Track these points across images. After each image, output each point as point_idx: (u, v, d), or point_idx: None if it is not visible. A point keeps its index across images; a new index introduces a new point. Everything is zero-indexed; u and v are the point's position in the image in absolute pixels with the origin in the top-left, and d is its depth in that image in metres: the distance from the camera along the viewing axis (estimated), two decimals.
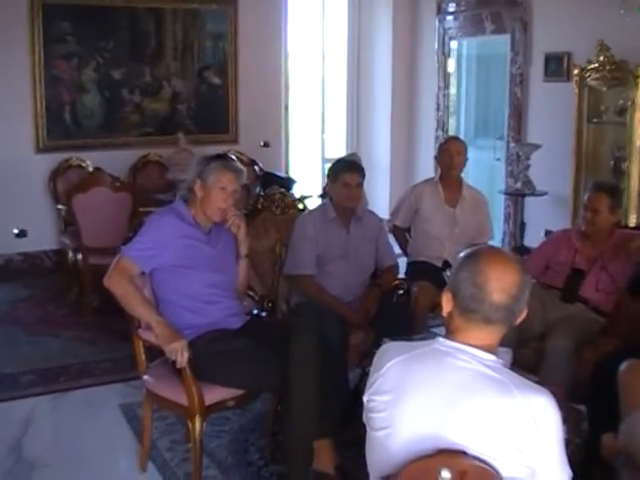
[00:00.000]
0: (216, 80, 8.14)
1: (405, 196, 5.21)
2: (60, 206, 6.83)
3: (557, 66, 6.97)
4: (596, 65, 6.19)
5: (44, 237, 7.34)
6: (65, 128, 7.46)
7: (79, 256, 6.02)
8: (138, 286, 3.45)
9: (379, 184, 8.93)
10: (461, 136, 7.28)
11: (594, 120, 6.48)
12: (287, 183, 7.23)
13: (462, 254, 2.08)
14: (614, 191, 4.35)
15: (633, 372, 3.02)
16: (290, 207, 4.80)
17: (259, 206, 4.72)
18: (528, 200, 7.19)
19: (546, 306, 4.15)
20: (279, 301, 4.37)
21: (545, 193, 6.98)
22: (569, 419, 2.88)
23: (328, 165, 4.94)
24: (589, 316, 4.15)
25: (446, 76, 8.47)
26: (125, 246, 3.50)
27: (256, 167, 7.67)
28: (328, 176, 4.46)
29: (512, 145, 7.52)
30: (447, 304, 2.06)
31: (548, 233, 6.36)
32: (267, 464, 3.75)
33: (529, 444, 1.88)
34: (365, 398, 2.09)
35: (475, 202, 5.10)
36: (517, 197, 7.39)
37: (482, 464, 1.86)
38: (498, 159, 7.87)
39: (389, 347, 2.17)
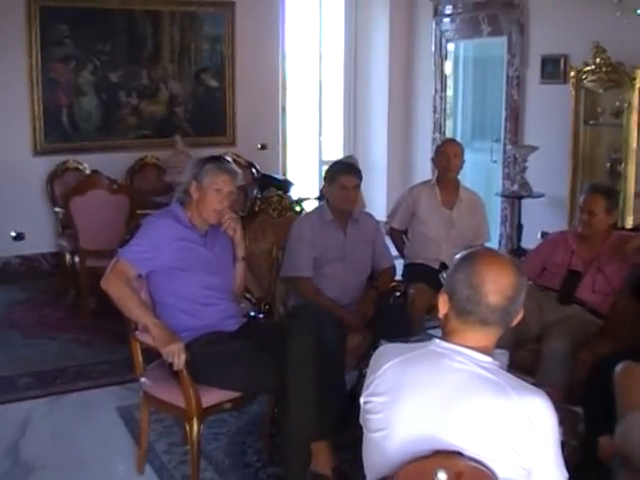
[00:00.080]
0: (213, 82, 8.14)
1: (402, 198, 5.22)
2: (57, 209, 6.82)
3: (554, 68, 6.98)
4: (592, 67, 6.21)
5: (41, 240, 7.33)
6: (62, 131, 7.46)
7: (76, 259, 6.02)
8: (135, 289, 3.46)
9: (376, 186, 8.94)
10: (458, 138, 7.29)
11: (591, 122, 6.49)
12: (284, 185, 7.23)
13: (458, 256, 2.08)
14: (610, 193, 4.36)
15: (629, 374, 3.03)
16: (287, 209, 4.80)
17: (256, 208, 4.72)
18: (525, 202, 7.19)
19: (543, 308, 4.16)
20: (276, 303, 4.37)
21: (542, 195, 6.99)
22: (565, 421, 2.89)
23: (325, 167, 4.94)
24: (586, 318, 4.16)
25: (443, 78, 8.48)
26: (122, 249, 3.50)
27: (253, 169, 7.68)
28: (325, 178, 4.47)
29: (509, 147, 7.53)
30: (443, 306, 2.06)
31: (545, 235, 6.37)
32: (264, 466, 3.75)
33: (525, 445, 1.89)
34: (362, 399, 2.09)
35: (472, 204, 5.11)
36: (514, 199, 7.39)
37: (478, 465, 1.87)
38: (495, 161, 7.88)
39: (386, 349, 2.17)
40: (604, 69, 6.12)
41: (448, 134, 8.35)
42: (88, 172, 6.91)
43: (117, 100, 7.67)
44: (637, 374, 3.03)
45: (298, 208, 4.87)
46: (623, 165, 6.07)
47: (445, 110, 8.52)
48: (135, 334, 3.52)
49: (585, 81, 6.33)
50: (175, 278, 3.50)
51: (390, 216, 5.28)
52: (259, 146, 8.35)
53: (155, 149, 7.69)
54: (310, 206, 5.29)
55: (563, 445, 2.06)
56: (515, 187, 7.21)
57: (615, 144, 6.27)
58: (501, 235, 7.70)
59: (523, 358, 3.90)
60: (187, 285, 3.51)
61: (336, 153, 9.10)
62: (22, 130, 7.26)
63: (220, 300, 3.61)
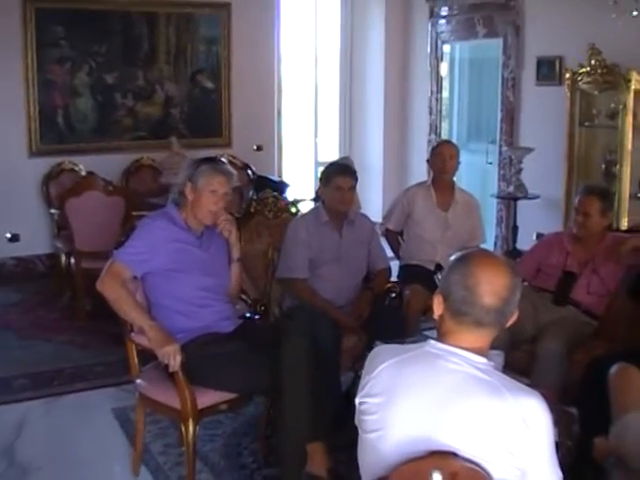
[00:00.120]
0: (209, 84, 8.14)
1: (398, 200, 5.22)
2: (53, 210, 6.82)
3: (549, 70, 7.00)
4: (588, 69, 6.22)
5: (37, 241, 7.33)
6: (58, 132, 7.45)
7: (72, 260, 6.02)
8: (130, 290, 3.45)
9: (372, 187, 8.95)
10: (453, 140, 7.32)
11: (586, 124, 6.51)
12: (280, 187, 7.23)
13: (453, 257, 2.09)
14: (605, 194, 4.36)
15: (624, 375, 3.03)
16: (283, 211, 4.81)
17: (252, 210, 4.73)
18: (520, 203, 7.20)
19: (538, 309, 4.17)
20: (272, 305, 4.38)
21: (537, 196, 7.00)
22: (560, 421, 2.90)
23: (321, 169, 4.94)
24: (581, 319, 4.17)
25: (439, 80, 8.49)
26: (117, 250, 3.50)
27: (249, 171, 7.68)
28: (320, 180, 4.47)
29: (504, 149, 7.55)
30: (438, 307, 2.07)
31: (540, 236, 6.38)
32: (260, 467, 3.76)
33: (520, 446, 1.89)
34: (357, 400, 2.09)
35: (467, 206, 5.12)
36: (509, 201, 7.40)
37: (473, 466, 1.87)
38: (490, 163, 7.89)
39: (381, 350, 2.17)
40: (599, 71, 6.14)
41: (444, 135, 8.37)
42: (84, 173, 6.91)
43: (113, 101, 7.66)
44: (632, 375, 3.03)
45: (294, 209, 4.87)
46: (618, 167, 6.09)
47: (441, 111, 8.53)
48: (131, 336, 3.51)
49: (580, 83, 6.34)
50: (170, 279, 3.50)
51: (385, 217, 5.29)
52: (255, 147, 8.36)
53: (151, 150, 7.69)
54: (306, 207, 5.30)
55: (558, 446, 2.06)
56: (510, 188, 7.22)
57: (610, 146, 6.29)
58: (496, 236, 7.71)
59: (518, 359, 3.90)
60: (182, 286, 3.51)
61: (332, 154, 9.09)
62: (18, 131, 7.25)
63: (216, 301, 3.61)
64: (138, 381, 3.60)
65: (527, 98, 7.34)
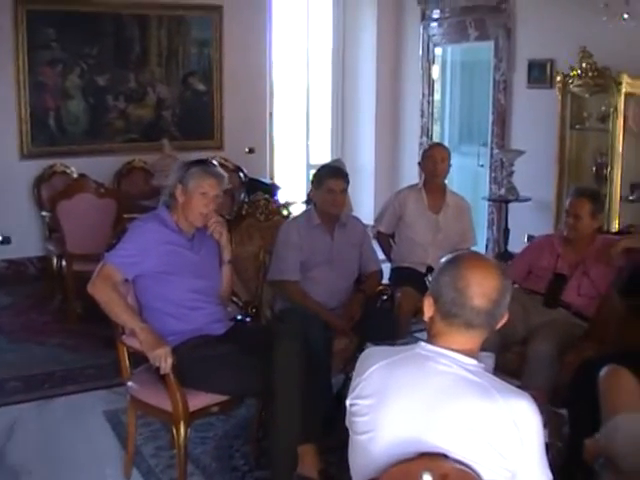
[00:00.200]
0: (201, 86, 8.14)
1: (389, 202, 5.23)
2: (44, 213, 6.80)
3: (540, 73, 7.02)
4: (579, 72, 6.23)
5: (28, 244, 7.31)
6: (50, 134, 7.44)
7: (63, 263, 6.01)
8: (122, 293, 3.45)
9: (364, 190, 8.96)
10: (445, 142, 7.33)
11: (577, 126, 6.53)
12: (272, 189, 7.24)
13: (444, 259, 2.10)
14: (595, 197, 4.37)
15: (613, 377, 3.05)
16: (274, 213, 4.81)
17: (243, 212, 4.73)
18: (512, 206, 7.22)
19: (528, 311, 4.18)
20: (263, 307, 4.38)
21: (528, 199, 7.02)
22: (550, 423, 2.91)
23: (313, 171, 4.95)
24: (571, 321, 4.18)
25: (430, 82, 8.51)
26: (109, 253, 3.49)
27: (241, 173, 7.67)
28: (312, 182, 4.47)
29: (496, 151, 7.56)
30: (429, 309, 2.07)
31: (531, 238, 6.40)
32: (252, 470, 3.76)
33: (510, 447, 1.90)
34: (348, 402, 2.10)
35: (458, 208, 5.13)
36: (501, 203, 7.41)
37: (463, 467, 1.87)
38: (482, 165, 7.91)
39: (372, 352, 2.18)
40: (590, 74, 6.16)
41: (435, 138, 8.37)
42: (75, 176, 6.90)
43: (104, 104, 7.65)
44: (622, 377, 3.04)
45: (285, 212, 4.87)
46: (609, 169, 6.10)
47: (432, 114, 8.55)
48: (122, 338, 3.51)
49: (571, 86, 6.36)
50: (162, 282, 3.50)
51: (377, 220, 5.29)
52: (247, 150, 8.35)
53: (142, 153, 7.67)
54: (297, 210, 5.30)
55: (548, 447, 2.07)
56: (502, 191, 7.24)
57: (601, 148, 6.31)
58: (488, 239, 7.73)
59: (509, 361, 3.91)
60: (174, 289, 3.51)
61: (323, 157, 9.10)
62: (9, 133, 7.23)
63: (207, 304, 3.61)
64: (129, 384, 3.60)
65: (518, 101, 7.35)
